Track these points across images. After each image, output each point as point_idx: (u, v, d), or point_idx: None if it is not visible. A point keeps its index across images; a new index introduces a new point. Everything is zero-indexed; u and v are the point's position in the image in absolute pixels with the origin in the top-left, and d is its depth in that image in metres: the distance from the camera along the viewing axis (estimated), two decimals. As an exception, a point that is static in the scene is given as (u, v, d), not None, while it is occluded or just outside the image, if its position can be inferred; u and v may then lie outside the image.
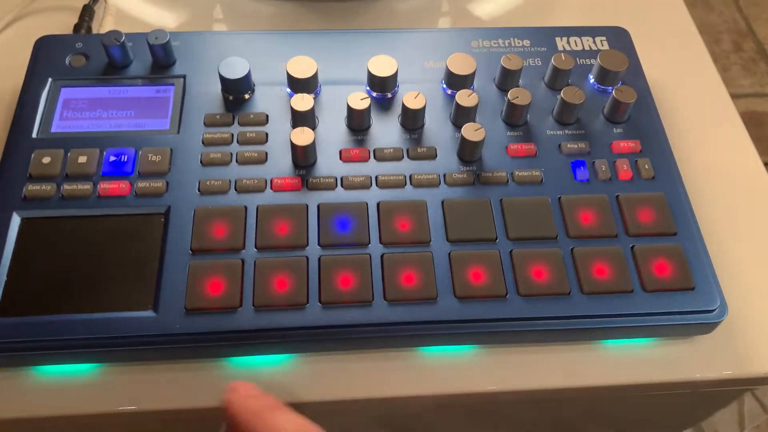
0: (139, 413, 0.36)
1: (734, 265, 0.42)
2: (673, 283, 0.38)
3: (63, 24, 0.51)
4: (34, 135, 0.42)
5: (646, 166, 0.42)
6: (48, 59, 0.45)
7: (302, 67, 0.43)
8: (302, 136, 0.40)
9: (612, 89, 0.45)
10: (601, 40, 0.48)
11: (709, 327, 0.38)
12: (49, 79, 0.44)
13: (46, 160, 0.40)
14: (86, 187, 0.40)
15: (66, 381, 0.36)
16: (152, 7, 0.54)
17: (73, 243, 0.38)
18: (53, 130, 0.42)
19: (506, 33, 0.48)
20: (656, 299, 0.38)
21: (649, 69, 0.48)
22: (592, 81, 0.46)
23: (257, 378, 0.37)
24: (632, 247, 0.39)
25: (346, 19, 0.55)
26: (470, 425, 0.45)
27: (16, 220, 0.38)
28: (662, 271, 0.38)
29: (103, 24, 0.51)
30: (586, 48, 0.48)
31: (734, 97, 1.36)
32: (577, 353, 0.38)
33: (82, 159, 0.40)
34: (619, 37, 0.49)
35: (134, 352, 0.36)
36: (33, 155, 0.41)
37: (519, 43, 0.48)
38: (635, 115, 0.44)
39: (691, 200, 0.42)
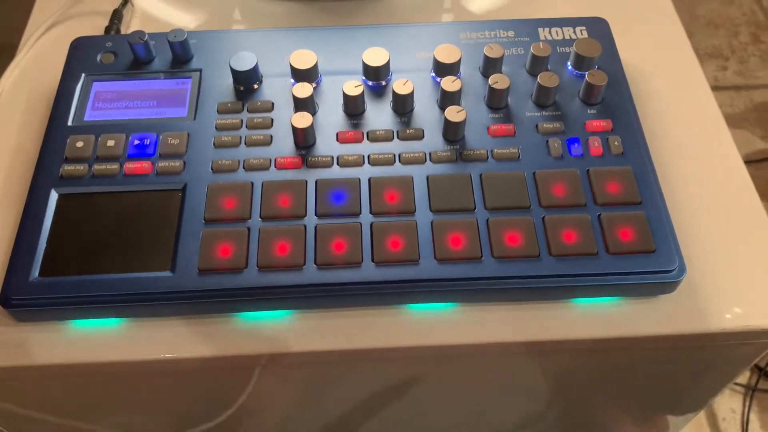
0: (157, 361, 0.41)
1: (699, 231, 0.45)
2: (635, 246, 0.42)
3: (95, 26, 0.57)
4: (69, 123, 0.48)
5: (616, 143, 0.46)
6: (82, 57, 0.51)
7: (303, 59, 0.48)
8: (302, 119, 0.45)
9: (587, 74, 0.49)
10: (580, 30, 0.52)
11: (670, 286, 0.42)
12: (83, 75, 0.50)
13: (80, 144, 0.46)
14: (114, 167, 0.45)
15: (95, 333, 0.42)
16: (175, 10, 0.60)
17: (102, 215, 0.44)
18: (86, 118, 0.48)
19: (492, 25, 0.53)
20: (619, 261, 0.41)
21: (629, 56, 0.52)
22: (570, 67, 0.50)
23: (261, 331, 0.42)
24: (599, 215, 0.43)
25: (351, 16, 0.60)
26: (452, 383, 0.50)
27: (54, 196, 0.44)
28: (626, 236, 0.42)
29: (131, 26, 0.57)
30: (567, 37, 0.52)
31: (752, 88, 1.38)
32: (548, 311, 0.43)
33: (111, 143, 0.46)
34: (598, 27, 0.52)
35: (154, 306, 0.41)
36: (68, 140, 0.46)
37: (504, 34, 0.52)
38: (608, 97, 0.48)
39: (662, 174, 0.46)
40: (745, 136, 1.30)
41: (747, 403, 0.98)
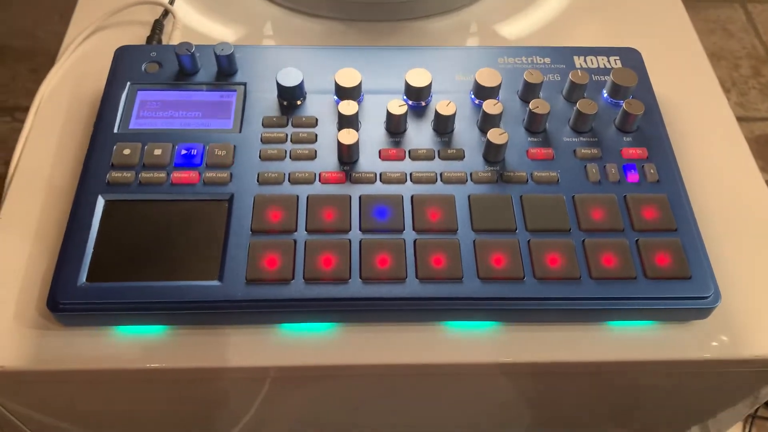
0: (201, 370, 0.42)
1: (730, 258, 0.47)
2: (671, 272, 0.43)
3: (136, 36, 0.58)
4: (115, 130, 0.48)
5: (652, 171, 0.47)
6: (126, 66, 0.52)
7: (348, 77, 0.49)
8: (348, 136, 0.46)
9: (623, 102, 0.50)
10: (614, 59, 0.54)
11: (704, 312, 0.43)
12: (128, 83, 0.51)
13: (127, 151, 0.47)
14: (161, 175, 0.46)
15: (141, 340, 0.42)
16: (213, 23, 0.61)
17: (149, 222, 0.44)
18: (131, 126, 0.49)
19: (529, 51, 0.54)
20: (656, 286, 0.43)
21: (659, 86, 0.53)
22: (605, 95, 0.51)
23: (305, 343, 0.42)
24: (636, 240, 0.44)
25: (383, 37, 0.61)
26: (487, 401, 0.50)
27: (101, 202, 0.45)
28: (662, 262, 0.43)
29: (172, 37, 0.58)
30: (601, 66, 0.53)
31: (752, 120, 1.41)
32: (585, 332, 0.44)
33: (158, 151, 0.47)
34: (631, 57, 0.54)
35: (201, 315, 0.42)
36: (115, 147, 0.47)
37: (540, 60, 0.54)
38: (643, 125, 0.50)
39: (693, 201, 0.47)
40: (745, 166, 1.33)
41: (747, 430, 1.00)
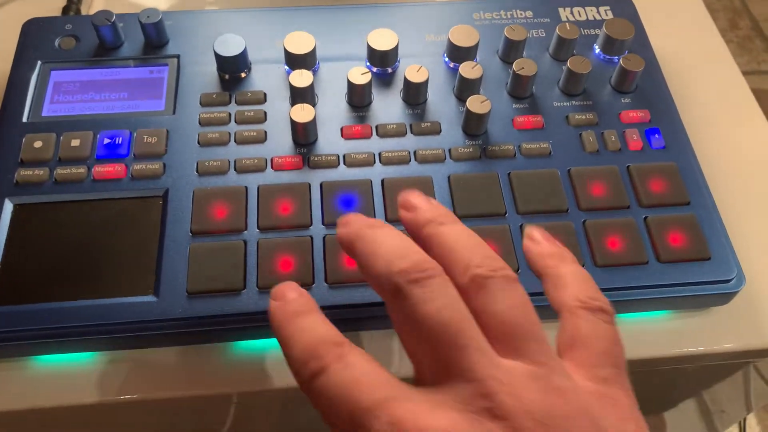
0: (141, 401, 0.35)
1: (749, 235, 0.41)
2: (688, 253, 0.37)
3: (50, 7, 0.50)
4: (24, 119, 0.40)
5: (656, 136, 0.41)
6: (36, 42, 0.44)
7: (300, 43, 0.42)
8: (302, 113, 0.39)
9: (618, 59, 0.44)
10: (605, 10, 0.47)
11: (726, 297, 0.37)
12: (39, 63, 0.43)
13: (38, 144, 0.39)
14: (80, 170, 0.38)
15: (65, 370, 0.35)
16: (142, -11, 0.53)
17: (68, 228, 0.37)
18: (44, 114, 0.41)
19: (508, 4, 0.47)
20: (672, 270, 0.37)
21: (653, 39, 0.47)
22: (597, 51, 0.45)
23: (262, 362, 0.36)
24: (645, 218, 0.38)
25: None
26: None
27: (8, 207, 0.37)
28: (677, 242, 0.37)
29: (93, 6, 0.50)
30: (590, 18, 0.47)
31: (731, 75, 1.35)
32: (592, 328, 0.37)
33: (75, 142, 0.39)
34: (624, 6, 0.47)
35: (135, 338, 0.35)
36: (24, 140, 0.39)
37: (521, 14, 0.47)
38: (643, 84, 0.43)
39: (704, 170, 0.41)
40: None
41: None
